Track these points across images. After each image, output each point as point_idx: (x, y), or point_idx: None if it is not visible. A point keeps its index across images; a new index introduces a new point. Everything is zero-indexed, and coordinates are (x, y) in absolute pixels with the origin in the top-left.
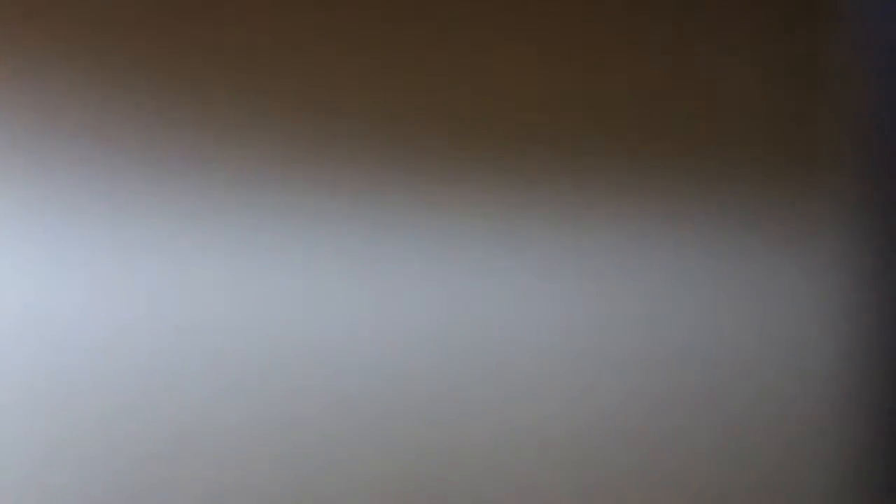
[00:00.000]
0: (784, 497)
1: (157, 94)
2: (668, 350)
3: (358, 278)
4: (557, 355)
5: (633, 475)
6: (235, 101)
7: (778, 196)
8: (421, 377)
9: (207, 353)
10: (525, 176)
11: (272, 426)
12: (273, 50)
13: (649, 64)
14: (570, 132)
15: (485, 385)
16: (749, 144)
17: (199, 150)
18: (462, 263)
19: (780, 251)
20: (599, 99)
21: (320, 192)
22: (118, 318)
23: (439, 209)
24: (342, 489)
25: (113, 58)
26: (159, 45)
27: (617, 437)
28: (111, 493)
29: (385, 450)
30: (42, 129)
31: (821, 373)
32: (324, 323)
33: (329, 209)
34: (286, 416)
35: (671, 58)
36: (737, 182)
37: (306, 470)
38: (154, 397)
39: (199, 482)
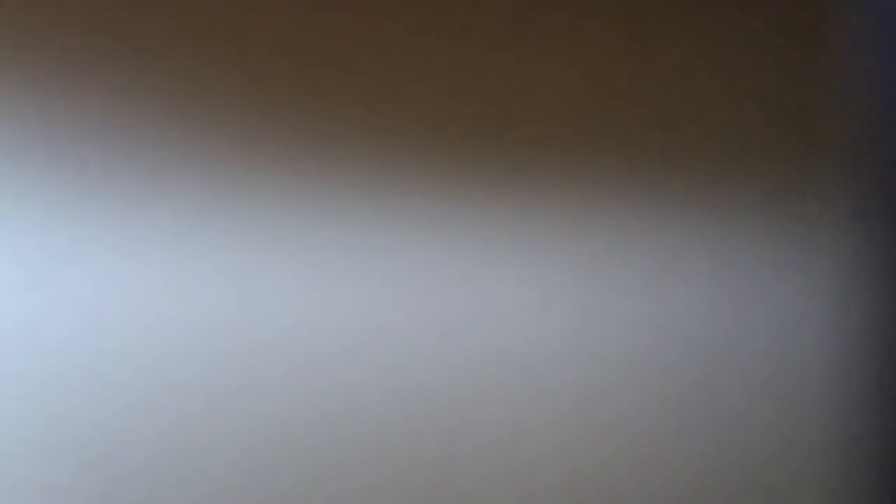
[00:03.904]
0: (783, 496)
1: (159, 93)
2: (668, 350)
3: (362, 278)
4: (558, 354)
5: (632, 473)
6: (238, 101)
7: (778, 196)
8: (424, 377)
9: (209, 353)
10: (526, 176)
11: (276, 426)
12: (275, 50)
13: (648, 64)
14: (572, 133)
15: (486, 384)
16: (749, 145)
17: (201, 150)
18: (464, 264)
19: (779, 251)
20: (600, 100)
21: (325, 191)
22: (119, 318)
23: (443, 209)
24: (346, 490)
25: (115, 57)
26: (162, 45)
27: (616, 436)
28: (113, 495)
29: (390, 450)
30: (43, 127)
31: (820, 372)
32: (327, 323)
33: (334, 209)
34: (290, 416)
35: (671, 59)
36: (737, 182)
37: (310, 470)
38: (155, 398)
39: (202, 483)
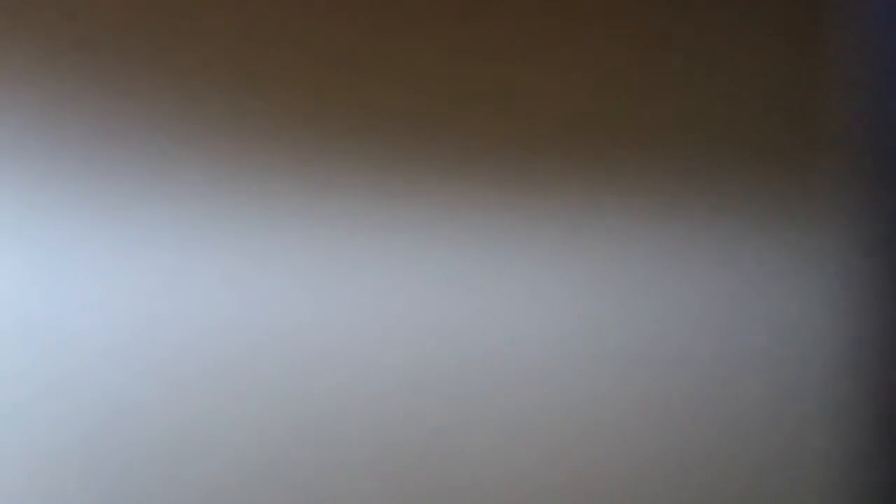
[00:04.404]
0: (783, 496)
1: (160, 94)
2: (668, 350)
3: (362, 279)
4: (558, 355)
5: (632, 473)
6: (238, 102)
7: (778, 196)
8: (424, 376)
9: (210, 353)
10: (527, 177)
11: (277, 426)
12: (277, 51)
13: (649, 66)
14: (572, 133)
15: (486, 384)
16: (749, 145)
17: (202, 150)
18: (464, 265)
19: (779, 251)
20: (600, 99)
21: (325, 192)
22: (119, 318)
23: (443, 210)
24: (346, 489)
25: (115, 58)
26: (163, 46)
27: (616, 436)
28: (113, 495)
29: (390, 450)
30: (43, 129)
31: (820, 371)
32: (327, 323)
33: (334, 210)
34: (291, 416)
35: (671, 59)
36: (737, 182)
37: (311, 470)
38: (156, 398)
39: (203, 483)
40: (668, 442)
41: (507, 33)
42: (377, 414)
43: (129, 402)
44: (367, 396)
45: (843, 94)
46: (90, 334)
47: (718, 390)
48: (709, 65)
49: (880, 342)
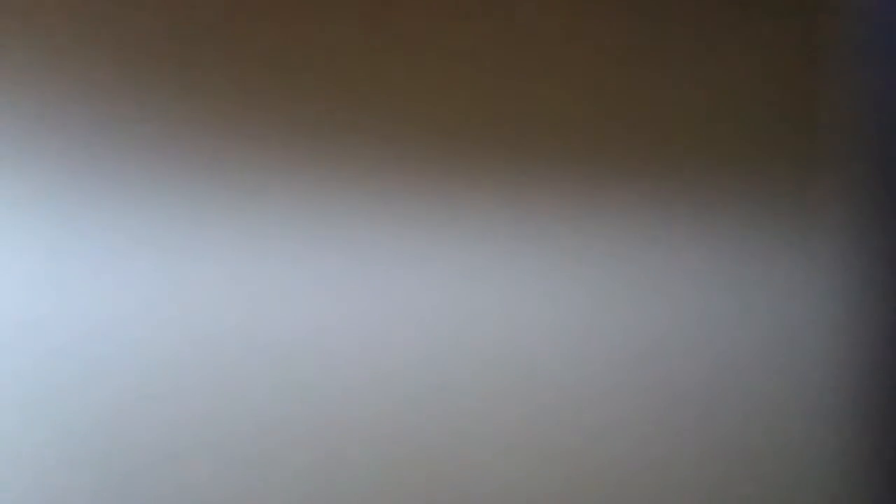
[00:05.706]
0: (783, 496)
1: (158, 93)
2: (667, 350)
3: (365, 279)
4: (557, 355)
5: (634, 472)
6: (237, 100)
7: (777, 195)
8: (428, 377)
9: (211, 354)
10: (525, 175)
11: (278, 428)
12: (277, 52)
13: (647, 63)
14: (570, 130)
15: (485, 383)
16: (748, 143)
17: (200, 150)
18: (468, 264)
19: (779, 251)
20: (598, 98)
21: (323, 191)
22: (120, 319)
23: (447, 210)
24: (349, 490)
25: (113, 58)
26: (161, 45)
27: (618, 435)
28: (114, 496)
29: (393, 451)
30: (44, 128)
31: (820, 372)
32: (330, 324)
33: (331, 209)
34: (292, 418)
35: (669, 56)
36: (736, 181)
37: (312, 471)
38: (156, 399)
39: (204, 485)
40: (669, 441)
41: (507, 33)
42: (381, 414)
43: (130, 403)
44: (371, 397)
45: (843, 95)
46: (91, 335)
47: (719, 390)
48: (709, 64)
49: (880, 342)
